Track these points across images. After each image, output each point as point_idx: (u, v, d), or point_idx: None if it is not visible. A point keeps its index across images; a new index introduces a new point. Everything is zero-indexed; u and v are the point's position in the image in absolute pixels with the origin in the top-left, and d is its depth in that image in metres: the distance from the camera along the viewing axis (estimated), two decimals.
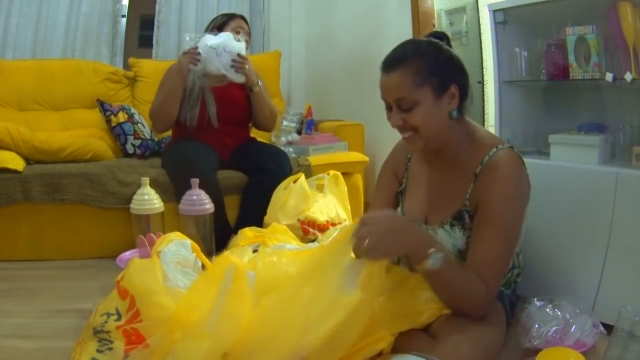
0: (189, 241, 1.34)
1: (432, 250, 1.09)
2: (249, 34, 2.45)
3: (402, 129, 1.25)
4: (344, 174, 2.28)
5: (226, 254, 1.46)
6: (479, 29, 3.77)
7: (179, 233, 1.39)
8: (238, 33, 2.36)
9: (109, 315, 1.23)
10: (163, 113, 2.23)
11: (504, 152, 1.25)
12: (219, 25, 2.41)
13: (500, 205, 1.20)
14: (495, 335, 1.21)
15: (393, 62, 1.22)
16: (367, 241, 1.04)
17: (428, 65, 1.20)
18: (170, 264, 1.23)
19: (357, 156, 2.73)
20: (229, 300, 1.05)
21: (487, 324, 1.19)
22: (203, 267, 1.32)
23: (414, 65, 1.20)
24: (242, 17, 2.46)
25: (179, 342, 1.05)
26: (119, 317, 1.20)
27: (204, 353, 1.01)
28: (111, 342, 1.18)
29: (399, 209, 1.44)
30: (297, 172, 2.24)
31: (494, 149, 1.26)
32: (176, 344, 1.05)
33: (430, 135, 1.24)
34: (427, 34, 1.33)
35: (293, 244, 1.69)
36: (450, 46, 1.30)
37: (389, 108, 1.26)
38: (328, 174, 2.24)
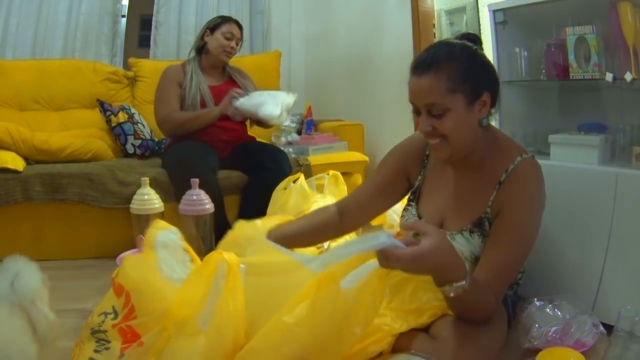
0: (175, 229, 1.33)
1: (459, 284, 1.05)
2: (240, 39, 2.47)
3: (430, 135, 1.20)
4: (343, 174, 2.28)
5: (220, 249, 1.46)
6: (479, 29, 3.77)
7: (161, 221, 1.39)
8: (228, 39, 2.39)
9: (106, 314, 1.23)
10: (182, 130, 2.30)
11: (528, 162, 1.23)
12: (212, 26, 2.42)
13: (522, 214, 1.18)
14: (495, 336, 1.21)
15: (426, 64, 1.16)
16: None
17: (462, 71, 1.15)
18: (163, 250, 1.22)
19: (357, 156, 2.73)
20: (223, 297, 1.04)
21: (487, 324, 1.19)
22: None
23: (447, 70, 1.14)
24: (236, 22, 2.47)
25: (173, 340, 1.05)
26: (116, 316, 1.20)
27: (200, 351, 1.01)
28: (108, 341, 1.18)
29: (411, 208, 1.39)
30: (297, 172, 2.24)
31: (519, 158, 1.23)
32: (170, 342, 1.05)
33: (459, 144, 1.19)
34: (459, 35, 1.26)
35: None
36: (482, 49, 1.26)
37: (417, 112, 1.20)
38: (328, 174, 2.24)
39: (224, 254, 1.09)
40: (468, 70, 1.16)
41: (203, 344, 1.01)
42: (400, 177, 1.41)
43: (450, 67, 1.14)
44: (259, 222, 1.47)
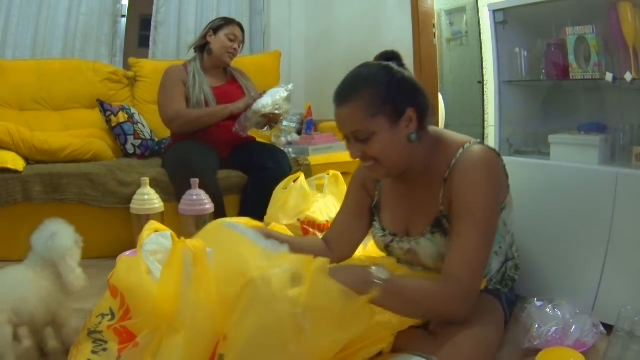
0: (169, 232, 1.32)
1: (373, 267, 1.07)
2: (242, 42, 2.49)
3: (362, 159, 1.24)
4: (343, 174, 2.28)
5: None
6: (479, 29, 3.78)
7: (155, 222, 1.39)
8: (231, 40, 2.41)
9: (103, 315, 1.23)
10: (193, 127, 2.31)
11: (471, 149, 1.22)
12: (215, 27, 2.44)
13: (472, 198, 1.17)
14: (493, 334, 1.22)
15: (344, 94, 1.21)
16: None
17: (379, 94, 1.17)
18: (149, 257, 1.22)
19: None
20: (192, 287, 1.03)
21: (485, 322, 1.20)
22: None
23: (365, 96, 1.17)
24: (239, 25, 2.49)
25: (165, 337, 1.04)
26: (113, 317, 1.21)
27: (180, 348, 0.99)
28: (105, 342, 1.18)
29: (375, 223, 1.43)
30: (297, 172, 2.24)
31: (460, 150, 1.23)
32: (163, 340, 1.04)
33: (392, 163, 1.23)
34: (378, 55, 1.30)
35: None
36: (403, 65, 1.27)
37: (347, 139, 1.25)
38: (328, 174, 2.25)
39: (187, 242, 1.07)
40: (386, 91, 1.18)
41: (182, 338, 0.99)
42: (366, 196, 1.46)
43: (367, 93, 1.17)
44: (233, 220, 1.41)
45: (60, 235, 1.27)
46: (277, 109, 2.28)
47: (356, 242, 1.49)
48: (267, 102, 2.27)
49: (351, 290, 1.02)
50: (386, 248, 1.41)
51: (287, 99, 2.35)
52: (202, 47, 2.47)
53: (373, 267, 1.10)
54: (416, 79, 1.26)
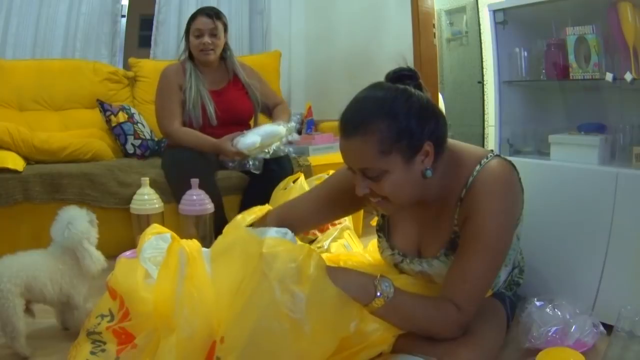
0: (169, 234, 1.30)
1: (377, 279, 1.04)
2: (214, 28, 2.24)
3: (369, 195, 1.11)
4: None
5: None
6: (479, 29, 3.79)
7: (157, 225, 1.39)
8: (198, 37, 2.24)
9: (102, 316, 1.23)
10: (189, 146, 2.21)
11: (488, 166, 1.14)
12: (186, 29, 2.30)
13: (485, 220, 1.09)
14: (494, 336, 1.21)
15: (353, 124, 1.05)
16: None
17: (394, 128, 1.02)
18: (147, 261, 1.22)
19: None
20: (186, 288, 1.02)
21: (486, 324, 1.19)
22: None
23: (377, 130, 1.02)
24: (206, 13, 2.25)
25: (162, 338, 1.04)
26: (112, 318, 1.21)
27: (174, 348, 0.99)
28: (104, 343, 1.19)
29: (382, 241, 1.35)
30: (297, 172, 2.24)
31: (477, 167, 1.14)
32: (161, 342, 1.04)
33: (402, 200, 1.11)
34: (391, 72, 1.14)
35: None
36: (420, 86, 1.12)
37: (352, 171, 1.11)
38: (328, 174, 2.24)
39: (182, 242, 1.06)
40: (402, 124, 1.03)
41: (175, 339, 0.99)
42: (349, 196, 1.22)
43: (381, 126, 1.02)
44: (238, 217, 1.38)
45: (75, 223, 1.40)
46: (265, 151, 2.05)
47: (309, 228, 1.43)
48: (254, 140, 2.05)
49: (351, 298, 1.01)
50: (395, 266, 1.35)
51: (282, 137, 2.13)
52: (190, 51, 2.36)
53: (377, 279, 1.06)
54: (433, 102, 1.13)
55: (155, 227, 1.36)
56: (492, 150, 1.23)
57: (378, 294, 1.04)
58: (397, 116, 1.03)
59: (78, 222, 1.41)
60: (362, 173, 1.08)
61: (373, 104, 1.06)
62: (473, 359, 1.10)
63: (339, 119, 1.10)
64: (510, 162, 1.20)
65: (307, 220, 1.40)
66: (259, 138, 2.07)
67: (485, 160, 1.15)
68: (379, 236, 1.39)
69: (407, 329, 1.12)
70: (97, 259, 1.41)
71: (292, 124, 2.23)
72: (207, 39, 2.24)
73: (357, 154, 1.05)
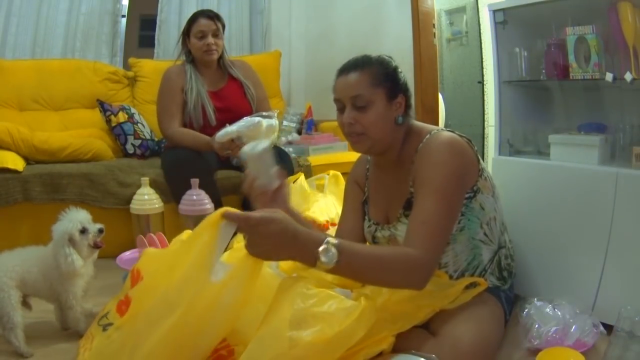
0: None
1: (320, 249, 1.02)
2: (217, 29, 2.30)
3: (351, 127, 1.29)
4: (344, 174, 2.28)
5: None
6: (479, 29, 3.78)
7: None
8: (201, 38, 2.27)
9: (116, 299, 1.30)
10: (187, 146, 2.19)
11: (438, 133, 1.30)
12: (186, 31, 2.33)
13: (431, 171, 1.22)
14: (494, 332, 1.22)
15: (352, 65, 1.31)
16: (249, 248, 1.02)
17: (382, 72, 1.29)
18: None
19: (357, 156, 2.72)
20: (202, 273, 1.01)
21: (485, 322, 1.20)
22: None
23: (373, 69, 1.29)
24: (207, 15, 2.30)
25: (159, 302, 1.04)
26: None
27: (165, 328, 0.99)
28: (112, 324, 1.22)
29: (367, 219, 1.46)
30: (297, 172, 2.24)
31: (427, 135, 1.30)
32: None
33: (377, 137, 1.29)
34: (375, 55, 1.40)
35: None
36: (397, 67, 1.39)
37: (341, 109, 1.31)
38: (328, 174, 2.25)
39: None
40: (387, 73, 1.30)
41: (174, 320, 0.98)
42: (360, 192, 1.51)
43: (373, 68, 1.29)
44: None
45: (61, 222, 1.44)
46: (241, 138, 1.93)
47: (364, 237, 1.48)
48: (226, 130, 1.97)
49: (298, 259, 1.05)
50: (373, 240, 1.44)
51: (269, 129, 1.96)
52: (188, 52, 2.38)
53: (320, 248, 1.03)
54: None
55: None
56: (449, 129, 1.36)
57: (320, 260, 1.02)
58: (386, 66, 1.31)
59: (62, 223, 1.44)
60: (352, 103, 1.28)
61: (367, 57, 1.33)
62: (473, 356, 1.11)
63: (337, 71, 1.33)
64: (465, 136, 1.32)
65: (357, 229, 1.49)
66: (234, 127, 2.01)
67: (435, 131, 1.32)
68: (365, 215, 1.49)
69: (371, 282, 1.16)
70: (70, 262, 1.39)
71: (275, 121, 2.16)
72: (210, 40, 2.30)
73: (355, 83, 1.27)
